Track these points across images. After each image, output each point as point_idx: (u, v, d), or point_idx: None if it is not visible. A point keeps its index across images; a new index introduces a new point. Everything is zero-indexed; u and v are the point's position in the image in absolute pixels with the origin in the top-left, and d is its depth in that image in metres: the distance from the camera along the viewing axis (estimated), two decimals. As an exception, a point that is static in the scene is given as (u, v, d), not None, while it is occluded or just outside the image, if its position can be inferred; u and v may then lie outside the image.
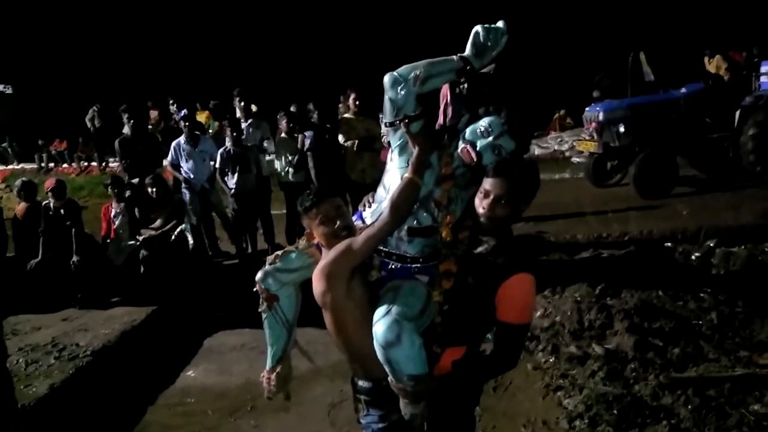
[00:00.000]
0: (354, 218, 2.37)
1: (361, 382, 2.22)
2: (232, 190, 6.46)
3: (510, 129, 2.11)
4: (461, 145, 2.15)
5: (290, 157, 6.35)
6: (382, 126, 5.81)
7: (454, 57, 2.16)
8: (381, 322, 1.97)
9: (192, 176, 6.67)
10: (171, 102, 8.86)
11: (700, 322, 4.59)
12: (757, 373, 3.80)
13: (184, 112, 7.23)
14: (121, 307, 5.72)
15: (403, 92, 2.11)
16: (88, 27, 20.46)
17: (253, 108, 7.94)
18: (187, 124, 6.68)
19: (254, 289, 2.37)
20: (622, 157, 8.72)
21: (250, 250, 6.76)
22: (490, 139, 2.10)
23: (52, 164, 17.83)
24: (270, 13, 20.74)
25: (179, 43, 20.09)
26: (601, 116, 8.45)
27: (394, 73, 2.14)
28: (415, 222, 2.21)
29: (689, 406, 3.44)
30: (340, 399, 4.17)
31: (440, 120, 2.32)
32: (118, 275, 6.02)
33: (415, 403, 2.05)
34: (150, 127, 11.13)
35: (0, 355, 2.24)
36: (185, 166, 6.70)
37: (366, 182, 5.91)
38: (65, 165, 17.64)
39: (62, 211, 5.91)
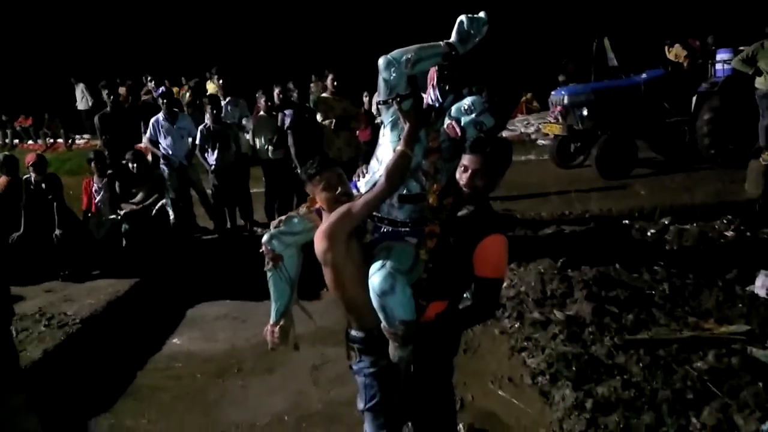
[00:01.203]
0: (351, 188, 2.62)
1: (354, 332, 2.48)
2: (212, 167, 6.63)
3: (490, 107, 2.40)
4: (447, 121, 2.43)
5: (270, 135, 6.54)
6: (373, 104, 6.03)
7: (441, 43, 2.42)
8: (377, 275, 2.25)
9: (170, 153, 6.79)
10: (149, 79, 8.90)
11: (653, 292, 4.94)
12: (702, 336, 4.18)
13: (162, 89, 7.31)
14: (103, 280, 5.86)
15: (395, 74, 2.37)
16: (55, 1, 19.97)
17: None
18: (165, 101, 6.77)
19: (260, 250, 2.62)
20: (585, 140, 9.08)
21: (228, 225, 6.95)
22: (473, 116, 2.39)
23: (16, 141, 17.48)
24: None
25: (152, 19, 19.80)
26: (565, 100, 8.77)
27: (388, 56, 2.39)
28: (405, 190, 2.49)
29: (640, 364, 3.79)
30: (322, 361, 4.47)
31: (428, 99, 2.57)
32: (99, 248, 6.15)
33: (404, 346, 2.33)
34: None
35: (6, 316, 2.44)
36: (163, 142, 6.80)
37: (343, 160, 6.13)
38: (30, 141, 17.32)
39: (43, 185, 5.99)
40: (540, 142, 12.36)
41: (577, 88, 9.02)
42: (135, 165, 6.22)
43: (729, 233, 6.50)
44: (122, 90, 12.83)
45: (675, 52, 9.23)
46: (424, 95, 2.60)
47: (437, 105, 2.53)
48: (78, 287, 5.68)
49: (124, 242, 6.12)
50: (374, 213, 2.48)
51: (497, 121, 2.47)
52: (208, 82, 10.03)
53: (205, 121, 6.66)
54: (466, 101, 2.43)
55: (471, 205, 2.39)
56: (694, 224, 6.67)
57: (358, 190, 2.61)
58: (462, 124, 2.40)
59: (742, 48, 7.84)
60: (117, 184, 6.25)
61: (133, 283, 5.76)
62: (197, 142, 6.63)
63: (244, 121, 7.12)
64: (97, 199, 6.26)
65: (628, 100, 8.68)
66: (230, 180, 6.68)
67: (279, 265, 2.59)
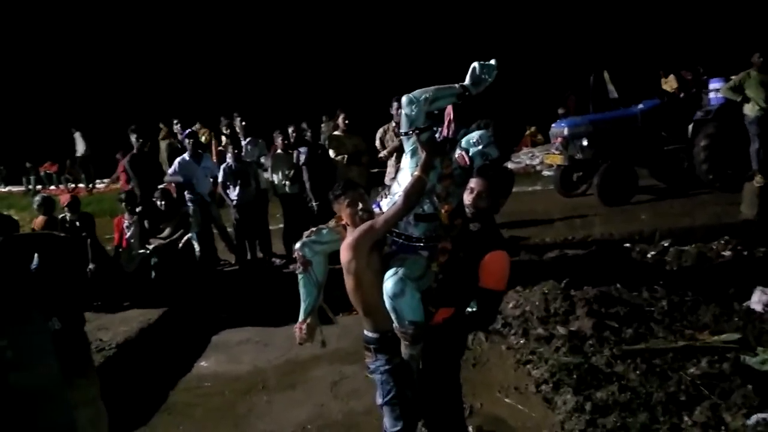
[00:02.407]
0: (373, 206, 3.03)
1: (371, 334, 2.83)
2: (234, 202, 7.07)
3: (495, 140, 2.82)
4: (458, 151, 2.85)
5: (287, 171, 7.00)
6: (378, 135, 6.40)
7: (456, 85, 2.85)
8: (390, 280, 2.62)
9: (195, 189, 7.22)
10: (176, 122, 9.48)
11: (652, 309, 5.20)
12: (695, 345, 4.45)
13: (188, 130, 7.82)
14: (134, 310, 6.23)
15: (416, 110, 2.80)
16: (75, 51, 20.91)
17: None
18: (191, 141, 7.27)
19: (294, 256, 3.05)
20: (587, 169, 9.42)
21: (249, 257, 7.35)
22: (480, 147, 2.82)
23: (39, 186, 18.12)
24: (262, 39, 21.54)
25: (166, 68, 20.66)
26: (565, 131, 9.15)
27: (410, 95, 2.82)
28: (420, 210, 2.87)
29: (637, 371, 4.07)
30: (340, 377, 4.79)
31: (444, 133, 2.99)
32: (130, 281, 6.55)
33: (414, 344, 2.68)
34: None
35: (80, 322, 2.86)
36: (188, 180, 7.22)
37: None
38: (53, 187, 17.96)
39: (78, 223, 6.44)
40: (545, 173, 12.70)
41: (577, 120, 9.42)
42: (163, 203, 6.68)
43: (726, 253, 6.73)
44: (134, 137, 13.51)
45: (670, 83, 9.62)
46: (440, 128, 3.02)
47: (451, 137, 2.95)
48: (111, 317, 6.06)
49: (153, 274, 6.53)
50: (394, 229, 2.86)
51: (501, 153, 2.88)
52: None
53: (227, 160, 7.13)
54: (475, 134, 2.86)
55: (477, 223, 2.77)
56: (693, 245, 6.90)
57: (380, 209, 3.00)
58: (470, 154, 2.82)
59: (732, 77, 8.22)
60: (146, 220, 6.69)
61: (162, 312, 6.13)
62: (220, 179, 7.10)
63: (262, 159, 7.59)
64: (128, 234, 6.69)
65: (626, 130, 9.04)
66: (251, 214, 7.11)
67: (308, 270, 2.98)
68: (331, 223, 3.08)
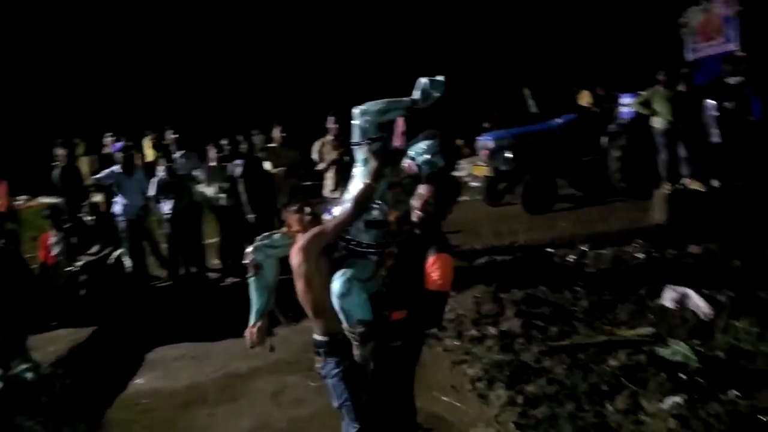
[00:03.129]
0: (326, 214, 3.13)
1: (321, 338, 2.92)
2: (167, 215, 6.98)
3: (441, 150, 3.01)
4: (406, 161, 3.01)
5: (221, 184, 6.99)
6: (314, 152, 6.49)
7: (406, 98, 3.04)
8: (338, 280, 2.74)
9: (126, 203, 7.06)
10: (110, 134, 9.21)
11: (575, 308, 5.54)
12: (614, 340, 4.80)
13: (121, 144, 7.66)
14: (63, 329, 6.04)
15: (368, 121, 2.95)
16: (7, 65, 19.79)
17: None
18: (124, 155, 7.12)
19: (244, 261, 3.09)
20: (511, 180, 9.84)
21: (182, 272, 7.25)
22: (427, 156, 2.99)
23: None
24: (193, 52, 21.10)
25: (92, 80, 19.94)
26: (490, 144, 9.58)
27: (362, 106, 2.99)
28: (370, 216, 3.01)
29: (563, 366, 4.35)
30: (281, 388, 4.85)
31: (396, 143, 3.15)
32: (57, 300, 6.33)
33: (364, 344, 2.78)
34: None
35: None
36: (120, 194, 7.08)
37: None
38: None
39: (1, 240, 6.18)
40: (472, 184, 13.10)
41: (500, 134, 9.82)
42: (91, 218, 6.52)
43: (639, 255, 7.16)
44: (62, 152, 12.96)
45: (585, 99, 10.16)
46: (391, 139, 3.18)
47: (401, 148, 3.12)
48: (39, 337, 5.81)
49: (82, 292, 6.33)
50: (344, 236, 2.98)
51: (446, 162, 3.08)
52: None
53: (159, 173, 7.05)
54: (422, 144, 3.05)
55: (423, 229, 2.93)
56: (609, 249, 7.29)
57: (332, 215, 3.12)
58: (418, 163, 2.99)
59: (641, 92, 8.83)
60: (74, 236, 6.50)
61: (93, 330, 5.97)
62: (152, 192, 6.99)
63: (195, 172, 7.53)
64: (55, 251, 6.47)
65: (546, 143, 9.53)
66: (183, 228, 7.04)
67: (260, 273, 3.05)
68: (283, 229, 3.18)
